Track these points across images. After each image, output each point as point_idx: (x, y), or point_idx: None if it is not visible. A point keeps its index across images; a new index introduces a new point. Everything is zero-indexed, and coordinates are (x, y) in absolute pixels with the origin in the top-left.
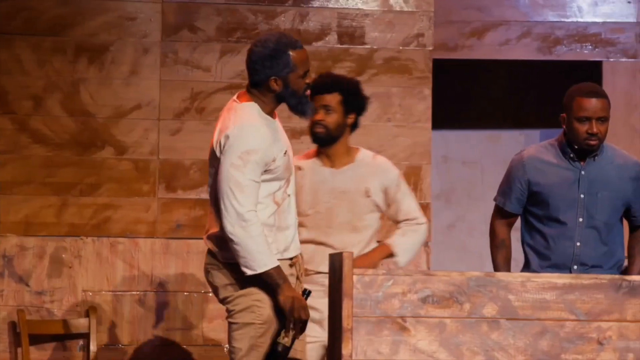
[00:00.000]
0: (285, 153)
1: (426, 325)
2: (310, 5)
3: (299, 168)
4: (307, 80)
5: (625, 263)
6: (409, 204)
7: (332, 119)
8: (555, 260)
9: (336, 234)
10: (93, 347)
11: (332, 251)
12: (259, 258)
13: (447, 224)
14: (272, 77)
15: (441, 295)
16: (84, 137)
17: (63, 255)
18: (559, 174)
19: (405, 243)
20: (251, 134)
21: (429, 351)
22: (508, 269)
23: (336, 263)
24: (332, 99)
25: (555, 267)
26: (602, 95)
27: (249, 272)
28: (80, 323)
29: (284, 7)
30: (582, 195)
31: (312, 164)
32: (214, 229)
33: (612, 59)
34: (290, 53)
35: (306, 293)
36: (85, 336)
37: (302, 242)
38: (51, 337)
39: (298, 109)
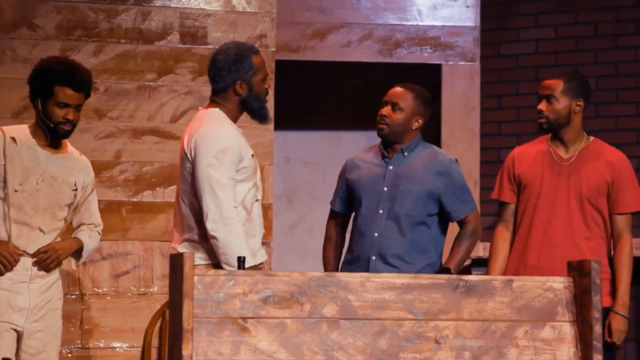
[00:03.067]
0: (252, 155)
1: (267, 326)
2: (152, 4)
3: (13, 140)
4: (266, 86)
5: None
6: (95, 208)
7: (77, 116)
8: (356, 252)
9: (39, 218)
10: None
11: (37, 233)
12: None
13: (289, 224)
14: (238, 81)
15: (282, 296)
16: None
17: None
18: (370, 170)
19: (90, 244)
20: (222, 133)
21: (269, 351)
22: (334, 266)
23: (177, 263)
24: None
25: (356, 260)
26: (406, 87)
27: (228, 269)
28: None
29: (125, 6)
30: (385, 189)
31: (28, 141)
32: (189, 233)
33: (451, 62)
34: (252, 57)
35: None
36: None
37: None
38: None
39: (261, 113)
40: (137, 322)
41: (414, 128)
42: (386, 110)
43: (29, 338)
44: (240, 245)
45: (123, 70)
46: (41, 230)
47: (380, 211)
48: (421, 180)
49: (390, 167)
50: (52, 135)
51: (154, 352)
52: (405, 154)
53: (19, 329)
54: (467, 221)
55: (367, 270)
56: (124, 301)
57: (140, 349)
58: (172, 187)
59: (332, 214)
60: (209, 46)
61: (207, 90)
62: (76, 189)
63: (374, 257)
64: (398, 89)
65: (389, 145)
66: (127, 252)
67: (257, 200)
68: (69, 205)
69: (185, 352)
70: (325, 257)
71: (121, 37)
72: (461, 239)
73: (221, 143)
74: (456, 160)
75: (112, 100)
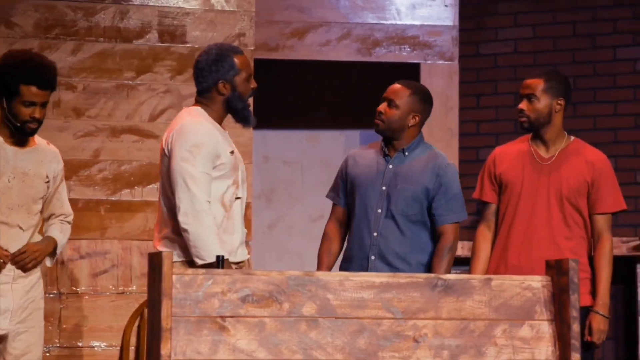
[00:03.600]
0: (232, 153)
1: (245, 325)
2: (130, 2)
3: None
4: (252, 86)
5: None
6: (65, 197)
7: (43, 113)
8: (355, 251)
9: (15, 215)
10: None
11: (16, 231)
12: (210, 248)
13: (268, 223)
14: (220, 80)
15: (261, 295)
16: None
17: None
18: (370, 167)
19: (63, 240)
20: (197, 128)
21: (248, 350)
22: (326, 263)
23: (155, 262)
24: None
25: (355, 258)
26: (404, 83)
27: (199, 262)
28: None
29: (103, 4)
30: (383, 187)
31: None
32: (166, 230)
33: (429, 61)
34: (233, 57)
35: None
36: None
37: None
38: None
39: (244, 114)
40: (115, 321)
41: (410, 125)
42: (382, 106)
43: (14, 340)
44: (211, 238)
45: (101, 69)
46: (20, 228)
47: (379, 210)
48: (419, 179)
49: (390, 167)
50: (19, 133)
51: (132, 352)
52: (406, 153)
53: (3, 332)
54: (446, 232)
55: (366, 269)
56: (103, 300)
57: (118, 348)
58: (150, 186)
59: (333, 209)
60: (188, 45)
61: (185, 88)
62: (48, 181)
63: (373, 257)
64: (396, 86)
65: (389, 143)
66: (106, 251)
67: (237, 198)
68: (43, 198)
69: (163, 351)
70: (318, 257)
71: (99, 36)
72: (442, 256)
73: (196, 138)
74: (455, 166)
75: (91, 99)
